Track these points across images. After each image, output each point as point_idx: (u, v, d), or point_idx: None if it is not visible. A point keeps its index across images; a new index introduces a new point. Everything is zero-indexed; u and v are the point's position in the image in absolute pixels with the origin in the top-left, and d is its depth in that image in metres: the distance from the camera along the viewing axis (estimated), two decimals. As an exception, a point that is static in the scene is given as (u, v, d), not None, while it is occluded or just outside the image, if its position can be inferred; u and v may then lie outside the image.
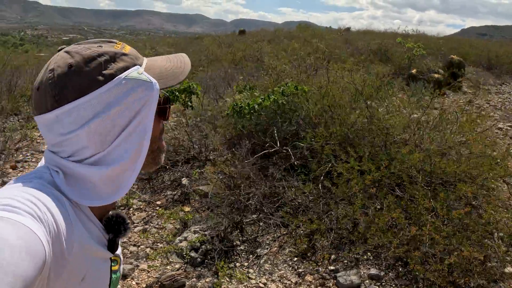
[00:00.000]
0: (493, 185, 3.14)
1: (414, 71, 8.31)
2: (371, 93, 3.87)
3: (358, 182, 2.70)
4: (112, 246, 0.65)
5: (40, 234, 0.45)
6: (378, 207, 2.92)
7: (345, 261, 2.76)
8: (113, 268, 0.68)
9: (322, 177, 2.99)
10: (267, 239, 2.98)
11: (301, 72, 4.14)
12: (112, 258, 0.67)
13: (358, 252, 2.83)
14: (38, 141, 4.70)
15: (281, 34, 13.55)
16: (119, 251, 0.71)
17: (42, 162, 0.62)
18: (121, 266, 0.73)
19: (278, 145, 3.53)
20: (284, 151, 3.25)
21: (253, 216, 3.17)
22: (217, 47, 10.03)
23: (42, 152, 4.51)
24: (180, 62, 0.68)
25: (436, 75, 8.23)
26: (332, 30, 15.67)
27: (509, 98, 8.11)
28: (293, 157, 3.15)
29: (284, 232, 3.01)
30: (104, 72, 0.56)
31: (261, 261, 2.78)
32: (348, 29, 15.53)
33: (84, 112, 0.55)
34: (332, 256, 2.80)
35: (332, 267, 2.71)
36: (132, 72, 0.58)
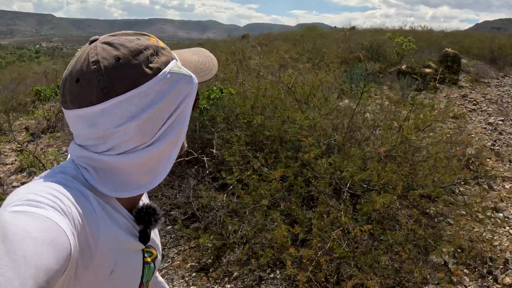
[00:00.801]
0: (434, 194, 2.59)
1: (403, 66, 7.53)
2: (312, 93, 3.40)
3: (257, 193, 2.30)
4: (143, 237, 0.61)
5: (64, 226, 0.42)
6: (288, 220, 2.48)
7: (247, 280, 2.37)
8: (145, 259, 0.63)
9: (232, 187, 2.60)
10: (173, 252, 2.64)
11: (238, 73, 3.74)
12: (145, 249, 0.63)
13: (264, 270, 2.42)
14: (6, 154, 4.64)
15: (284, 36, 13.03)
16: (156, 243, 0.68)
17: (68, 158, 0.58)
18: (158, 258, 0.69)
19: (215, 151, 3.18)
20: (202, 158, 2.90)
21: (168, 227, 2.84)
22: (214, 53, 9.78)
23: (7, 164, 4.38)
24: (207, 57, 0.67)
25: (427, 70, 7.41)
26: (337, 30, 14.85)
27: (508, 91, 7.13)
28: (206, 165, 2.79)
29: (193, 245, 2.66)
30: (150, 65, 0.53)
31: (158, 277, 2.45)
32: (352, 28, 14.63)
33: (134, 105, 0.51)
34: (235, 273, 2.42)
35: (229, 286, 2.32)
36: (173, 66, 0.55)
